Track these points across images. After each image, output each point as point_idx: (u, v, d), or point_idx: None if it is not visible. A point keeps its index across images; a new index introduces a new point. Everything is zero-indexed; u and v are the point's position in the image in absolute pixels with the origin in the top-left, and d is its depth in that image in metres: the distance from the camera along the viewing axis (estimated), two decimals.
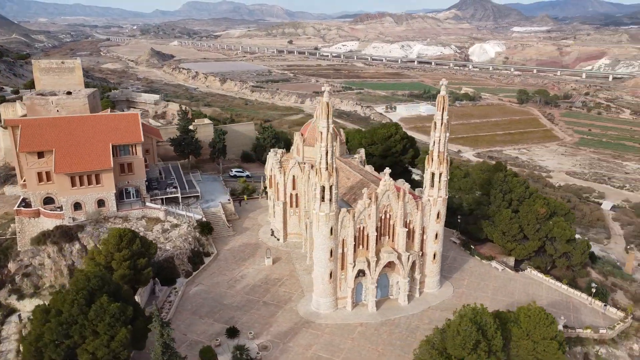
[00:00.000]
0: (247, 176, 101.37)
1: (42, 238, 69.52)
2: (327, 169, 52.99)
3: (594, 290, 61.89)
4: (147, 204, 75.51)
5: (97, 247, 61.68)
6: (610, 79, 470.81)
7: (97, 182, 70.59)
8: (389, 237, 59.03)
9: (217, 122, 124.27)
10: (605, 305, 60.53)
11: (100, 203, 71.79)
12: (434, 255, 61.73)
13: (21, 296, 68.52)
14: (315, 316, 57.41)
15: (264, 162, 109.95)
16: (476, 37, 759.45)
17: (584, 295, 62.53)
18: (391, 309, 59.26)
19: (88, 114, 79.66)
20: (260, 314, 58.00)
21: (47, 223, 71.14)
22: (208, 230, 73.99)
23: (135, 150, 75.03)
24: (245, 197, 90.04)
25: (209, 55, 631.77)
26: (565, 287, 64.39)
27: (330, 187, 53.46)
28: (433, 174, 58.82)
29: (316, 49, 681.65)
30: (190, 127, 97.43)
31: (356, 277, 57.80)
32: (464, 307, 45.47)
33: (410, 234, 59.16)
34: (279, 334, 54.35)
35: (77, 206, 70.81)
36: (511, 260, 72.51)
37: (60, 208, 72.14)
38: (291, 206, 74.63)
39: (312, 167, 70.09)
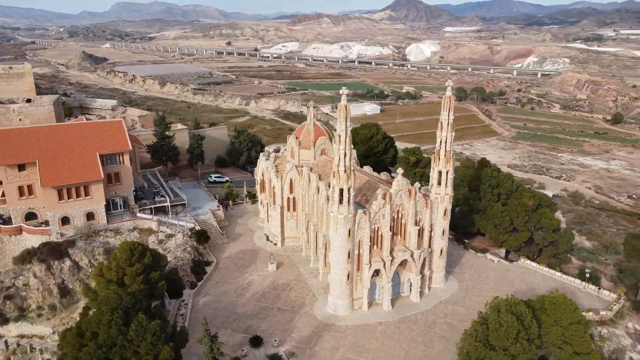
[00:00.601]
0: (227, 181, 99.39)
1: (27, 256, 65.02)
2: (345, 171, 53.19)
3: (587, 275, 66.06)
4: (139, 214, 72.46)
5: (103, 263, 58.89)
6: (539, 75, 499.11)
7: (86, 194, 66.96)
8: (400, 236, 60.09)
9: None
10: (598, 288, 64.76)
11: (90, 216, 68.13)
12: (441, 251, 63.56)
13: (5, 320, 63.93)
14: (333, 319, 57.46)
15: (239, 167, 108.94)
16: (411, 37, 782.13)
17: (577, 281, 66.56)
18: (405, 306, 60.37)
19: (71, 122, 75.21)
20: (278, 320, 57.31)
21: (31, 240, 66.61)
22: (205, 239, 72.07)
23: (122, 159, 71.79)
24: (230, 202, 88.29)
25: (145, 57, 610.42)
26: (559, 274, 68.26)
27: (349, 190, 53.73)
28: (440, 172, 60.51)
29: (256, 50, 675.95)
30: (167, 133, 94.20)
31: (371, 277, 58.45)
32: (495, 299, 47.29)
33: (420, 232, 60.51)
34: (302, 340, 53.97)
35: (64, 220, 66.86)
36: (502, 252, 75.85)
37: (45, 223, 67.85)
38: (288, 210, 74.12)
39: (310, 169, 70.29)
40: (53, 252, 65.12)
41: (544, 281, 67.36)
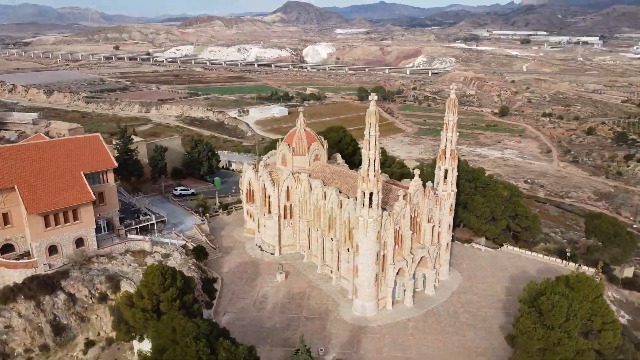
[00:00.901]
0: (192, 193, 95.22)
1: (9, 294, 57.68)
2: (375, 175, 54.29)
3: (568, 254, 73.53)
4: (130, 236, 67.31)
5: (127, 291, 54.45)
6: (430, 74, 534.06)
7: (75, 219, 60.92)
8: (415, 234, 62.48)
9: None
10: (578, 265, 72.39)
11: (79, 242, 62.09)
12: (447, 245, 67.08)
13: None
14: (364, 321, 58.30)
15: (198, 178, 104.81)
16: (306, 39, 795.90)
17: (558, 260, 73.81)
18: (423, 301, 62.89)
19: (46, 140, 67.25)
20: (310, 329, 56.83)
21: (12, 276, 59.11)
22: (204, 255, 68.96)
23: (106, 178, 66.32)
24: (207, 215, 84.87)
25: (23, 64, 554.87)
26: (540, 256, 75.15)
27: (377, 193, 54.92)
28: (446, 170, 63.83)
29: (148, 54, 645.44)
30: (130, 146, 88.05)
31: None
32: (530, 283, 51.40)
33: (432, 228, 63.40)
34: (343, 345, 54.21)
35: (52, 250, 60.19)
36: (482, 241, 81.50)
37: (26, 255, 60.66)
38: (285, 218, 73.28)
39: (309, 175, 70.25)
40: (43, 286, 58.39)
41: (529, 263, 73.76)
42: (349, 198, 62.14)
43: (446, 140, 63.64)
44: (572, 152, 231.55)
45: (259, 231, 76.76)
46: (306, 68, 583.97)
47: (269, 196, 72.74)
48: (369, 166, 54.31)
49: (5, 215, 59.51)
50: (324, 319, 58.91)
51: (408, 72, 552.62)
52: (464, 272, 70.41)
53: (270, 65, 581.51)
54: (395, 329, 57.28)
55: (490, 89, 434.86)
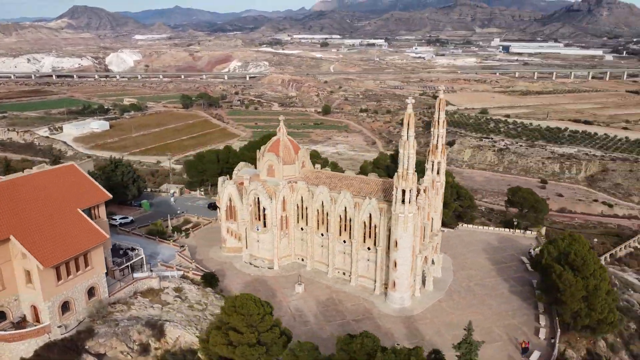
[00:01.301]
0: (132, 221, 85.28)
1: None
2: (413, 173, 58.05)
3: (516, 223, 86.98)
4: (135, 275, 58.68)
5: (179, 334, 48.13)
6: (248, 78, 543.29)
7: (86, 265, 51.25)
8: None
9: None
10: (524, 231, 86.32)
11: (91, 292, 52.39)
12: (439, 230, 74.00)
13: None
14: (407, 311, 61.65)
15: (122, 203, 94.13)
16: (105, 46, 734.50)
17: (506, 230, 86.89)
18: (437, 283, 68.57)
19: (22, 174, 52.93)
20: (368, 329, 57.82)
21: (18, 350, 47.32)
22: (216, 282, 63.79)
23: (98, 213, 56.84)
24: (171, 240, 77.54)
25: None
26: (492, 228, 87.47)
27: (410, 190, 58.78)
28: (440, 163, 70.34)
29: None
30: None
31: None
32: (546, 244, 61.14)
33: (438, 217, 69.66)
34: (407, 336, 56.58)
35: (63, 307, 49.70)
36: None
37: (19, 323, 49.06)
38: (281, 229, 71.72)
39: (307, 183, 70.38)
40: (64, 353, 48.19)
41: (487, 236, 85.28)
42: (365, 199, 64.58)
43: (437, 136, 70.03)
44: (393, 142, 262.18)
45: (246, 247, 73.58)
46: (115, 77, 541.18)
47: (264, 209, 70.35)
48: (408, 165, 57.75)
49: None
50: (371, 318, 60.53)
51: (226, 77, 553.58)
52: (448, 252, 78.31)
53: (72, 76, 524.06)
54: (435, 312, 61.99)
55: (309, 90, 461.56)
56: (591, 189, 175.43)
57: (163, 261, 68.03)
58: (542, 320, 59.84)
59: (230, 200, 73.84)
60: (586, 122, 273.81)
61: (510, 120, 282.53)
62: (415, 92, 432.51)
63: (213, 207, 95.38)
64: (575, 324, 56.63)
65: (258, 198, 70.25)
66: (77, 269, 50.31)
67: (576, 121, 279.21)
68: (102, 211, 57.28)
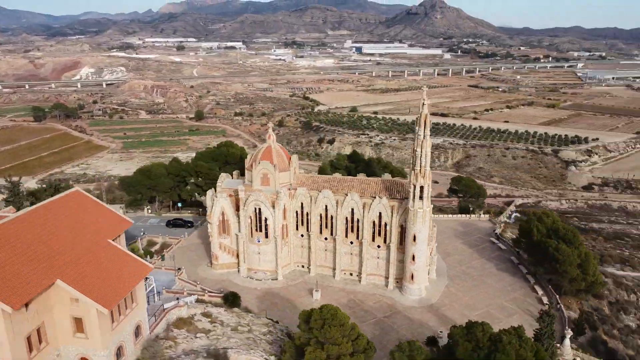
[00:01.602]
0: None
1: None
2: (429, 170, 61.58)
3: (472, 209, 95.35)
4: (166, 305, 53.18)
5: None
6: (104, 85, 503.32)
7: (132, 302, 45.57)
8: None
9: None
10: (479, 215, 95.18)
11: (136, 331, 46.61)
12: None
13: None
14: (426, 300, 65.21)
15: None
16: None
17: (463, 216, 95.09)
18: (435, 270, 73.28)
19: (30, 208, 43.39)
20: (401, 324, 60.24)
21: None
22: (238, 300, 60.49)
23: (119, 242, 50.52)
24: (153, 262, 71.07)
25: None
26: (456, 215, 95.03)
27: (428, 186, 62.40)
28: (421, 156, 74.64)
29: None
30: None
31: None
32: (531, 225, 69.08)
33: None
34: (439, 324, 60.09)
35: (117, 354, 43.69)
36: None
37: None
38: (282, 238, 70.25)
39: (307, 189, 70.18)
40: None
41: (449, 223, 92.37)
42: (371, 199, 66.61)
43: (420, 135, 74.20)
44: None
45: (244, 261, 70.79)
46: None
47: (265, 219, 68.27)
48: (425, 163, 61.07)
49: (38, 332, 39.63)
50: (397, 312, 62.84)
51: (79, 85, 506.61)
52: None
53: None
54: (449, 297, 66.43)
55: (176, 96, 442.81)
56: (459, 174, 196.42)
57: (166, 288, 62.48)
58: (539, 290, 67.67)
59: (223, 214, 70.20)
60: (442, 115, 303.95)
61: (379, 116, 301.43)
62: (285, 94, 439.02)
63: (172, 224, 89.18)
64: (572, 288, 65.20)
65: (259, 209, 68.00)
66: (126, 307, 44.56)
67: (434, 114, 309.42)
68: (123, 240, 51.10)
